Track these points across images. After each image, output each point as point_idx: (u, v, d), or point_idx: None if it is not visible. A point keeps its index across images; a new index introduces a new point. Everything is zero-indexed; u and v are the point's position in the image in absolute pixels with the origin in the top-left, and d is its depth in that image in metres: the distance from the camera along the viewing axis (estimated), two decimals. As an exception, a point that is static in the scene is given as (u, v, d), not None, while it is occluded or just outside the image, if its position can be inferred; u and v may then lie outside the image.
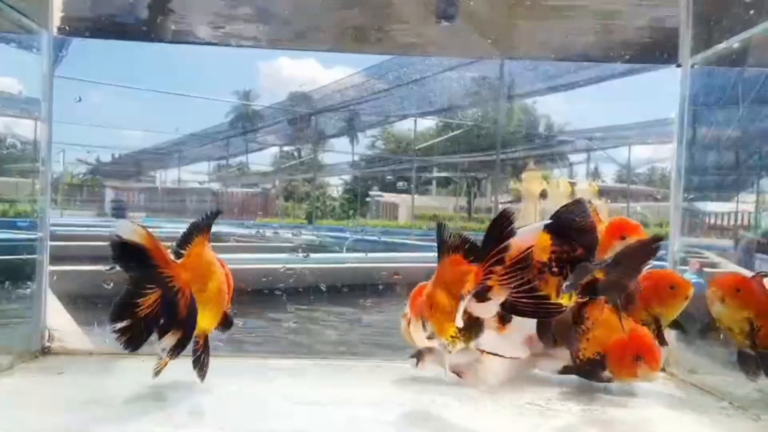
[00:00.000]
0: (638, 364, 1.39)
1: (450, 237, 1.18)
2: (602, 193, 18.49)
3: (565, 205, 1.24)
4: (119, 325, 1.26)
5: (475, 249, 1.14)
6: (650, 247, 1.29)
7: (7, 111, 1.89)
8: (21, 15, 1.61)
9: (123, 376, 1.55)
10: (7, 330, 1.74)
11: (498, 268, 1.08)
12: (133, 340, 1.27)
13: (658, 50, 1.84)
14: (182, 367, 1.36)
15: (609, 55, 1.95)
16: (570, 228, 1.22)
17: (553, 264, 1.21)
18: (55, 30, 1.73)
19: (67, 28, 1.75)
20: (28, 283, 1.77)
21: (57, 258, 1.89)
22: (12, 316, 1.81)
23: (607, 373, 1.44)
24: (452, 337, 1.17)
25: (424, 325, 1.23)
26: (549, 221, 1.20)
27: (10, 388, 1.42)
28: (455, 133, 20.92)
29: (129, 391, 1.37)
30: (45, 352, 1.71)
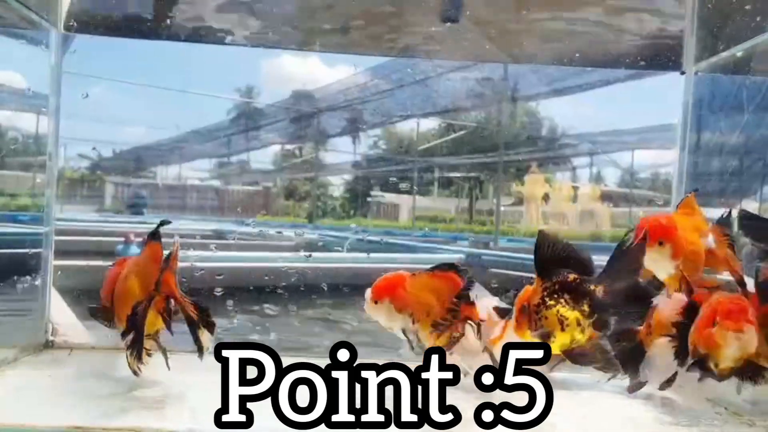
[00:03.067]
0: (716, 329, 1.20)
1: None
2: (604, 197, 18.46)
3: (536, 246, 1.29)
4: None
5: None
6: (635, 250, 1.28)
7: (16, 105, 1.92)
8: (30, 11, 1.63)
9: (124, 370, 1.57)
10: (11, 324, 1.76)
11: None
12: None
13: (662, 58, 1.86)
14: (180, 362, 1.38)
15: (613, 61, 1.96)
16: (552, 261, 1.28)
17: (547, 300, 1.26)
18: (62, 27, 1.76)
19: (75, 24, 1.78)
20: (33, 277, 1.79)
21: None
22: (16, 310, 1.82)
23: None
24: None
25: (411, 323, 1.38)
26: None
27: (14, 381, 1.43)
28: (458, 134, 20.94)
29: (129, 385, 1.38)
30: (48, 345, 1.73)
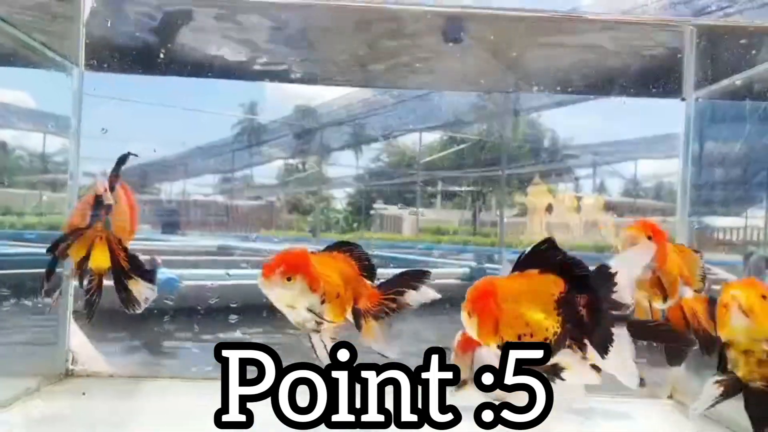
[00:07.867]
0: None
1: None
2: (609, 207, 18.39)
3: None
4: None
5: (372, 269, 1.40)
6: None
7: (44, 128, 2.09)
8: (56, 54, 1.78)
9: (142, 398, 1.60)
10: (33, 352, 1.79)
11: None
12: None
13: (662, 85, 1.90)
14: (198, 391, 1.40)
15: (614, 89, 2.00)
16: None
17: None
18: (83, 66, 1.89)
19: (95, 62, 1.91)
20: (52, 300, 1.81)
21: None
22: (37, 338, 1.85)
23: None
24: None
25: (320, 303, 1.35)
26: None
27: (38, 412, 1.46)
28: (460, 147, 20.95)
29: (150, 414, 1.41)
30: (69, 374, 1.76)
